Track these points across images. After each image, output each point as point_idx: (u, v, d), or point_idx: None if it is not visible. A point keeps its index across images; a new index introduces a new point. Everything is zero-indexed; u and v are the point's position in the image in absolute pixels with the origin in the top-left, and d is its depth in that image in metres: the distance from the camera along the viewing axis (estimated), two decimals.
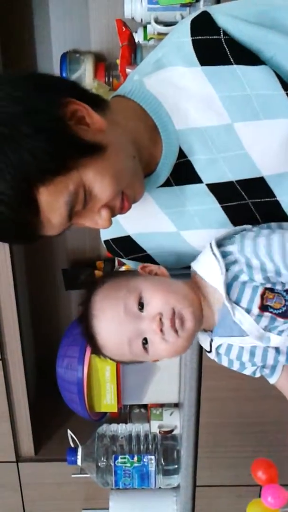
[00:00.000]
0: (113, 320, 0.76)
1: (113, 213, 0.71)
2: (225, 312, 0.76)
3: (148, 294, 0.75)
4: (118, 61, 1.35)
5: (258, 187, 0.75)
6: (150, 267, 0.81)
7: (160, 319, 0.74)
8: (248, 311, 0.75)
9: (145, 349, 0.76)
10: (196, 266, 0.80)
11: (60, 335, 1.49)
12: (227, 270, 0.75)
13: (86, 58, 1.52)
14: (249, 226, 0.78)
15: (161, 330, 0.74)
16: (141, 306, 0.75)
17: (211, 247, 0.77)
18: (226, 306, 0.75)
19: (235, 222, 0.79)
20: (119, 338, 0.76)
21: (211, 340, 0.81)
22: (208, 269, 0.77)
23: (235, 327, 0.76)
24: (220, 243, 0.77)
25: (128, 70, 1.21)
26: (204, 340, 0.82)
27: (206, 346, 0.83)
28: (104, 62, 1.55)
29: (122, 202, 0.71)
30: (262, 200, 0.77)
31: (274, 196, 0.76)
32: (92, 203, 0.68)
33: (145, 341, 0.76)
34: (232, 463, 1.44)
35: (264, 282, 0.74)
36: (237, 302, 0.75)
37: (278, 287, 0.75)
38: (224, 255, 0.75)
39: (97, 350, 0.80)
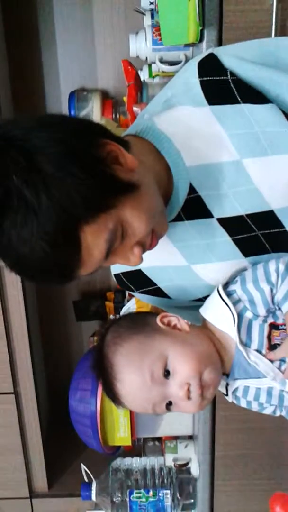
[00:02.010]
0: (139, 388, 0.76)
1: (143, 250, 0.72)
2: (238, 356, 0.77)
3: (175, 361, 0.75)
4: (125, 98, 1.39)
5: (267, 219, 0.77)
6: (169, 318, 0.80)
7: (188, 388, 0.75)
8: (259, 352, 0.76)
9: (169, 409, 0.77)
10: (205, 313, 0.81)
11: (72, 366, 1.49)
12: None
13: (93, 96, 1.56)
14: (249, 265, 0.80)
15: (188, 397, 0.75)
16: (167, 372, 0.75)
17: (219, 293, 0.78)
18: (239, 350, 0.76)
19: (246, 254, 0.80)
20: (144, 403, 0.77)
21: (227, 384, 0.81)
22: (218, 316, 0.78)
23: (250, 369, 0.77)
24: (225, 286, 0.79)
25: (135, 109, 1.24)
26: (220, 384, 0.82)
27: (222, 390, 0.83)
28: (111, 99, 1.59)
29: (151, 239, 0.72)
30: (272, 231, 0.78)
31: (283, 227, 0.77)
32: (128, 240, 0.69)
33: (169, 403, 0.77)
34: (249, 496, 1.41)
35: (267, 315, 0.75)
36: (247, 345, 0.76)
37: (280, 321, 0.76)
38: (228, 295, 0.77)
39: (116, 403, 0.80)
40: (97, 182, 0.63)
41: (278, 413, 0.83)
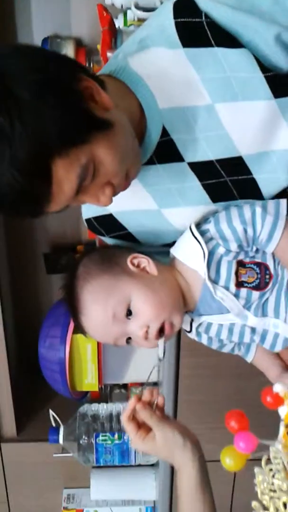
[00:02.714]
0: (101, 324, 0.80)
1: (115, 191, 0.72)
2: (205, 292, 0.80)
3: (138, 304, 0.79)
4: (98, 47, 1.37)
5: (236, 165, 0.79)
6: (140, 259, 0.82)
7: (147, 330, 0.79)
8: (226, 288, 0.79)
9: (128, 343, 0.82)
10: (176, 251, 0.84)
11: (41, 318, 1.51)
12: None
13: (67, 43, 1.54)
14: (221, 208, 0.83)
15: (146, 338, 0.79)
16: (129, 312, 0.79)
17: (191, 230, 0.80)
18: (206, 286, 0.79)
19: (214, 199, 0.83)
20: (105, 337, 0.82)
21: (191, 320, 0.85)
22: (189, 253, 0.80)
23: (214, 305, 0.81)
24: (197, 226, 0.81)
25: (109, 54, 1.23)
26: (184, 321, 0.86)
27: (186, 327, 0.87)
28: (84, 47, 1.57)
29: (124, 181, 0.72)
30: (240, 177, 0.80)
31: (251, 174, 0.80)
32: (99, 179, 0.69)
33: (129, 338, 0.81)
34: (210, 439, 1.48)
35: (238, 251, 0.78)
36: (215, 282, 0.79)
37: (247, 259, 0.79)
38: (201, 234, 0.80)
39: (82, 332, 0.84)
40: (72, 114, 0.63)
41: (236, 352, 0.88)
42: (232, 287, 0.79)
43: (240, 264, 0.79)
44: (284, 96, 0.73)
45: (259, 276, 0.79)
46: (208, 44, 0.72)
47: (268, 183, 0.80)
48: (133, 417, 0.80)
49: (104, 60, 1.27)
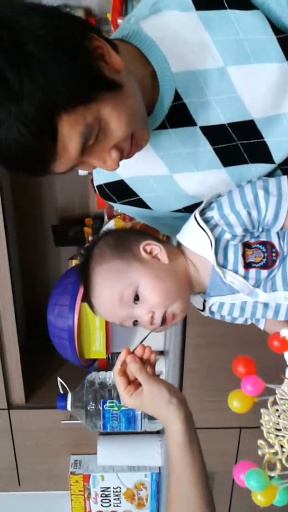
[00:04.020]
0: (109, 306, 0.82)
1: (121, 156, 0.73)
2: (215, 277, 0.81)
3: (145, 291, 0.80)
4: (108, 15, 1.36)
5: (247, 129, 0.79)
6: (152, 246, 0.83)
7: (152, 316, 0.80)
8: (235, 272, 0.81)
9: (135, 325, 0.84)
10: (182, 239, 0.84)
11: (49, 289, 1.53)
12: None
13: (76, 13, 1.51)
14: (224, 191, 0.83)
15: (151, 323, 0.81)
16: (137, 297, 0.80)
17: (196, 219, 0.81)
18: (215, 271, 0.80)
19: (225, 163, 0.84)
20: (113, 318, 0.84)
21: (204, 301, 0.87)
22: (196, 241, 0.81)
23: (225, 287, 0.82)
24: (201, 212, 0.82)
25: (119, 21, 1.22)
26: (197, 301, 0.88)
27: (199, 306, 0.89)
28: (94, 17, 1.56)
29: (130, 146, 0.73)
30: (251, 141, 0.81)
31: (262, 137, 0.80)
32: (105, 141, 0.69)
33: (136, 321, 0.83)
34: (215, 407, 1.51)
35: (244, 235, 0.79)
36: (224, 266, 0.81)
37: (252, 239, 0.80)
38: (205, 221, 0.81)
39: (92, 310, 0.86)
40: (81, 72, 0.64)
41: (249, 322, 0.90)
42: (241, 270, 0.80)
43: (246, 245, 0.80)
44: None
45: (265, 255, 0.80)
46: (221, 6, 0.73)
47: (279, 146, 0.80)
48: (125, 373, 0.83)
49: (114, 27, 1.27)
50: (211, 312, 0.88)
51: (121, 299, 0.80)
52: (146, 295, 0.80)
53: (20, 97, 0.60)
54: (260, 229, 0.80)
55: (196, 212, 0.82)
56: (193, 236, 0.82)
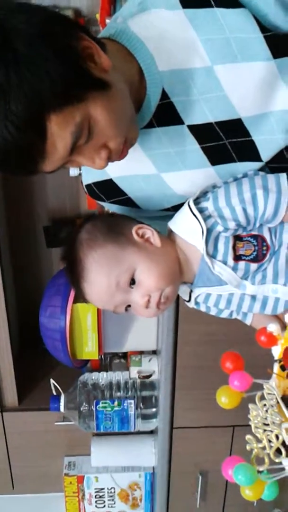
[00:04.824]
0: (104, 291, 0.81)
1: (110, 157, 0.73)
2: (203, 266, 0.81)
3: (142, 274, 0.80)
4: (97, 16, 1.37)
5: (235, 128, 0.80)
6: (145, 229, 0.83)
7: (148, 299, 0.80)
8: (224, 263, 0.81)
9: (127, 310, 0.83)
10: (174, 226, 0.84)
11: (41, 291, 1.53)
12: None
13: (65, 14, 1.51)
14: (220, 182, 0.84)
15: (147, 307, 0.81)
16: (132, 281, 0.80)
17: (189, 207, 0.81)
18: (204, 261, 0.80)
19: (213, 162, 0.84)
20: (106, 304, 0.83)
21: (191, 291, 0.87)
22: (188, 229, 0.81)
23: (213, 278, 0.82)
24: (195, 201, 0.82)
25: (108, 21, 1.22)
26: (183, 291, 0.88)
27: (185, 297, 0.89)
28: (83, 18, 1.56)
29: (122, 149, 0.73)
30: (238, 140, 0.81)
31: (249, 136, 0.81)
32: (95, 140, 0.69)
33: (128, 306, 0.82)
34: (207, 406, 1.51)
35: (236, 229, 0.80)
36: (213, 256, 0.81)
37: (244, 232, 0.81)
38: (199, 211, 0.80)
39: (82, 297, 0.85)
40: (69, 71, 0.64)
41: (234, 316, 0.89)
42: (230, 261, 0.80)
43: (237, 238, 0.81)
44: (283, 57, 0.74)
45: (256, 248, 0.80)
46: (207, 5, 0.73)
47: (266, 144, 0.81)
48: None
49: (103, 27, 1.27)
50: (197, 303, 0.88)
51: (117, 284, 0.79)
52: (142, 278, 0.80)
53: (7, 94, 0.60)
54: (258, 225, 0.80)
55: (190, 200, 0.81)
56: (185, 224, 0.82)
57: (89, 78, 0.66)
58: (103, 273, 0.80)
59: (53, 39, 0.63)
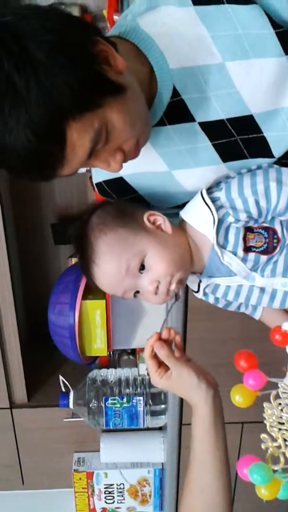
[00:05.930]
0: (113, 275, 0.81)
1: (125, 158, 0.73)
2: (213, 256, 0.81)
3: (152, 260, 0.80)
4: (104, 12, 1.36)
5: (246, 124, 0.80)
6: (156, 216, 0.83)
7: (157, 286, 0.80)
8: (234, 253, 0.81)
9: (136, 296, 0.83)
10: (185, 215, 0.85)
11: (50, 288, 1.53)
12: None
13: (72, 10, 1.52)
14: (233, 173, 0.83)
15: (156, 293, 0.81)
16: (142, 267, 0.80)
17: (202, 196, 0.81)
18: (214, 251, 0.80)
19: (224, 159, 0.84)
20: (115, 288, 0.83)
21: (199, 281, 0.87)
22: (199, 218, 0.82)
23: (222, 268, 0.82)
24: (208, 191, 0.82)
25: (115, 18, 1.22)
26: (192, 281, 0.88)
27: (194, 287, 0.89)
28: (90, 14, 1.55)
29: (135, 149, 0.73)
30: (250, 136, 0.81)
31: (261, 132, 0.80)
32: (111, 144, 0.69)
33: (137, 292, 0.82)
34: None
35: (248, 220, 0.79)
36: (223, 247, 0.81)
37: (256, 224, 0.80)
38: (212, 201, 0.81)
39: (90, 281, 0.85)
40: (86, 77, 0.64)
41: (242, 309, 0.90)
42: (240, 252, 0.80)
43: (248, 229, 0.81)
44: None
45: (267, 240, 0.80)
46: (218, 1, 0.72)
47: (278, 140, 0.81)
48: (155, 355, 0.83)
49: (111, 24, 1.26)
50: (205, 294, 0.88)
51: (127, 269, 0.79)
52: (152, 264, 0.80)
53: (27, 102, 0.60)
54: (269, 217, 0.80)
55: (203, 189, 0.82)
56: (196, 213, 0.82)
57: (106, 83, 0.66)
58: (113, 255, 0.80)
59: (69, 45, 0.63)
